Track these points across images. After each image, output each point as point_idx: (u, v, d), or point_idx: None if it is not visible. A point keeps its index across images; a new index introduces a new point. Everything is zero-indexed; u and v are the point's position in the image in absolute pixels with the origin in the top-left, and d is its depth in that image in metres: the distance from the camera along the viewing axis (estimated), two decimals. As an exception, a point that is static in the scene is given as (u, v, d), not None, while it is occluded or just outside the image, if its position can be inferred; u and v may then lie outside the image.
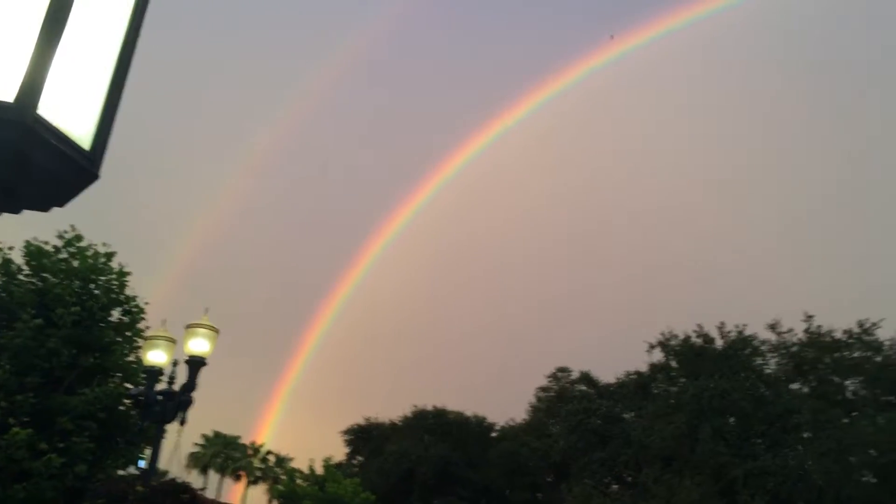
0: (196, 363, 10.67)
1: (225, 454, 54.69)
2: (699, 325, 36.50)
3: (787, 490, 28.27)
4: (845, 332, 32.60)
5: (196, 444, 53.64)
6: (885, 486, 27.44)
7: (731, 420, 33.05)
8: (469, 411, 43.20)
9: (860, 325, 32.33)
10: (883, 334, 32.00)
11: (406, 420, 43.30)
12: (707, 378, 33.69)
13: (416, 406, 43.56)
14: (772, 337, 35.18)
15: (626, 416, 38.13)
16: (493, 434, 42.94)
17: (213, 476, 54.21)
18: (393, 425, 43.03)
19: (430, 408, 42.87)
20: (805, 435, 31.55)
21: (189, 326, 10.80)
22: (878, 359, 31.93)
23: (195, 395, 10.67)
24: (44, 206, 1.86)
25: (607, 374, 41.67)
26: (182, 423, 10.64)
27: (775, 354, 35.57)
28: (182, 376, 10.79)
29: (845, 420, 31.19)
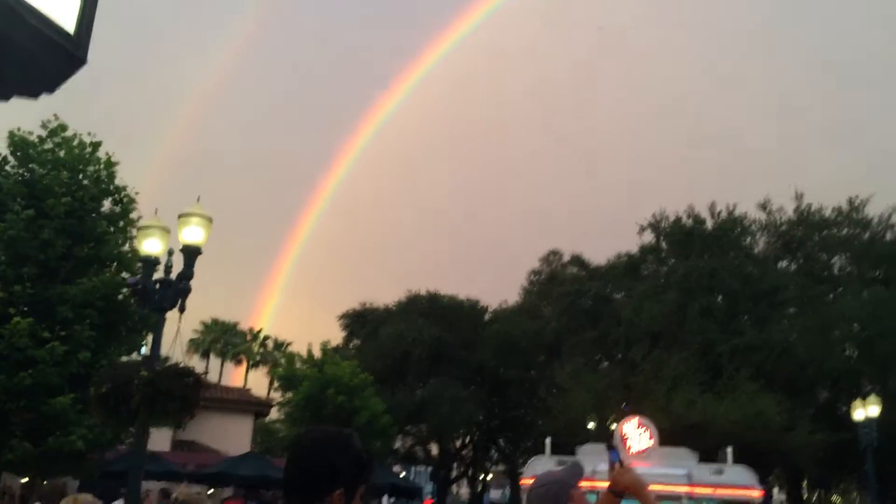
0: (191, 252, 10.70)
1: (224, 340, 55.94)
2: (690, 206, 36.66)
3: (771, 363, 29.24)
4: (835, 209, 32.89)
5: (195, 330, 54.78)
6: (866, 358, 28.44)
7: (719, 298, 33.76)
8: (462, 295, 43.98)
9: (850, 202, 32.59)
10: (872, 210, 32.33)
11: (400, 304, 44.00)
12: (696, 258, 34.16)
13: (410, 290, 44.23)
14: (762, 216, 35.48)
15: (616, 296, 38.87)
16: (487, 317, 43.82)
17: (215, 361, 55.73)
18: (387, 310, 43.77)
19: (423, 292, 43.57)
20: (791, 311, 32.36)
21: (182, 215, 10.75)
22: (866, 235, 32.37)
23: (192, 282, 10.75)
24: (33, 93, 1.80)
25: (599, 257, 42.18)
26: (181, 310, 10.78)
27: (764, 233, 35.98)
28: (178, 265, 10.85)
29: (831, 296, 31.93)
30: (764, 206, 34.96)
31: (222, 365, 55.90)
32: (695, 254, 34.63)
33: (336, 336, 42.92)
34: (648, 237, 38.27)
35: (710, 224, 36.43)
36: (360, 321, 43.82)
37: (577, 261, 43.02)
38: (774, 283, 32.21)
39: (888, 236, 31.95)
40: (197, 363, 50.76)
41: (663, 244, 38.11)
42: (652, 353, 30.31)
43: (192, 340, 54.24)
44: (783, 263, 35.11)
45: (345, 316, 44.05)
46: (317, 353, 30.88)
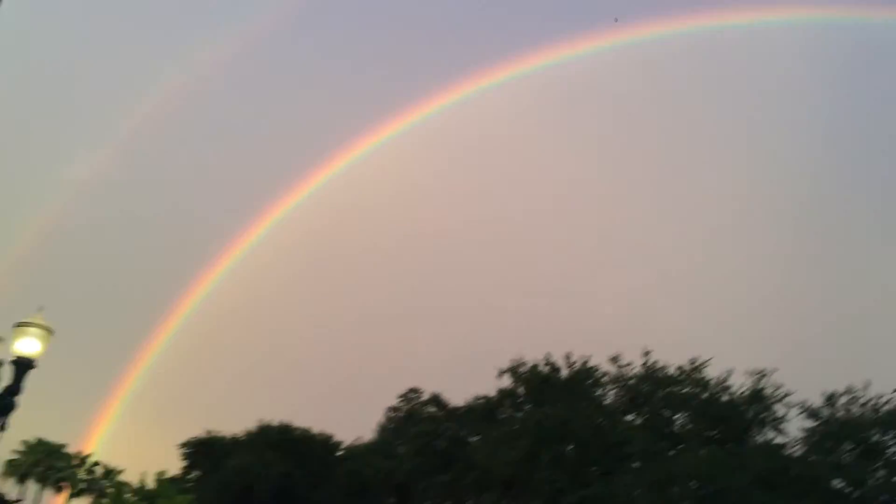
0: (23, 365, 9.90)
1: (47, 463, 50.82)
2: (548, 354, 37.88)
3: (616, 516, 29.64)
4: (678, 368, 34.85)
5: (15, 451, 49.53)
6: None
7: (570, 448, 34.37)
8: (317, 428, 42.58)
9: (692, 362, 34.70)
10: (711, 372, 34.48)
11: (249, 434, 41.99)
12: (551, 405, 34.92)
13: (261, 420, 42.40)
14: (613, 369, 37.02)
15: (471, 439, 38.80)
16: (339, 452, 42.45)
17: (33, 486, 50.22)
18: (235, 439, 41.58)
19: (275, 423, 41.88)
20: (635, 465, 33.26)
21: (18, 325, 10.01)
22: (705, 395, 34.32)
23: (20, 398, 9.88)
24: None
25: (459, 397, 42.32)
26: (2, 428, 9.81)
27: (615, 386, 37.42)
28: (6, 378, 9.97)
29: (672, 452, 33.19)
30: (615, 360, 36.62)
31: (41, 491, 50.47)
32: (549, 401, 35.42)
33: (176, 465, 40.07)
34: (507, 381, 38.97)
35: (565, 373, 37.62)
36: (203, 450, 41.26)
37: (436, 401, 42.97)
38: (622, 436, 33.25)
39: (724, 398, 33.99)
40: (11, 488, 45.61)
41: (520, 389, 38.83)
42: (502, 500, 30.11)
43: (9, 462, 48.93)
44: (630, 416, 36.43)
45: (187, 444, 41.38)
46: (151, 484, 28.60)
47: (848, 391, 31.68)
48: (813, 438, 32.06)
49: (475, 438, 38.55)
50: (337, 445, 43.01)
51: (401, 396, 43.64)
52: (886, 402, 30.45)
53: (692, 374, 34.55)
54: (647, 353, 35.68)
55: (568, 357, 37.49)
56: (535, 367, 37.96)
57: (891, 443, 30.84)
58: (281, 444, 40.34)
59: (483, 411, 39.46)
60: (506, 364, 38.46)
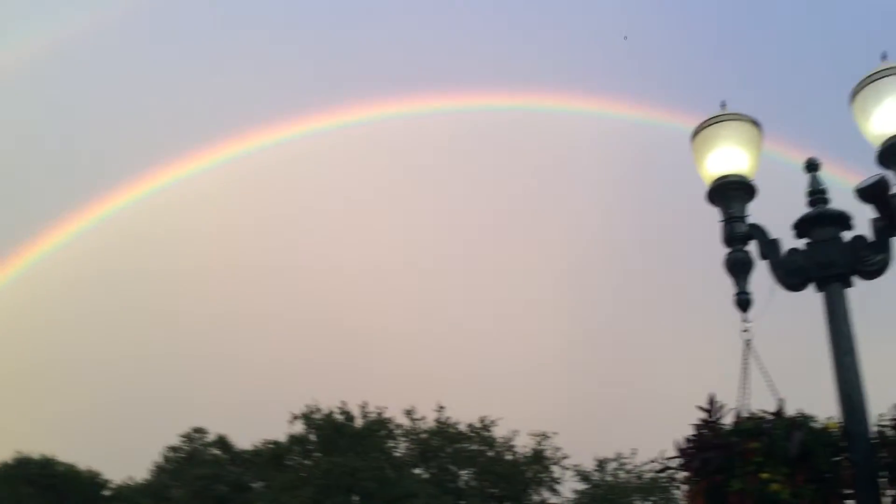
0: None
1: None
2: (343, 402, 37.47)
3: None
4: (468, 425, 35.79)
5: None
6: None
7: (356, 499, 33.99)
8: (83, 464, 39.09)
9: (481, 420, 35.77)
10: (498, 432, 35.72)
11: (6, 467, 37.79)
12: (342, 454, 34.46)
13: (19, 452, 38.30)
14: (406, 422, 37.30)
15: (255, 485, 37.31)
16: (107, 492, 39.16)
17: None
18: (-13, 472, 37.20)
19: (36, 455, 38.01)
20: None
21: None
22: (491, 453, 35.44)
23: None
24: None
25: (247, 440, 40.58)
26: None
27: (406, 439, 37.67)
28: None
29: (454, 507, 33.79)
30: (409, 413, 36.93)
31: None
32: (340, 449, 34.94)
33: None
34: (299, 427, 38.00)
35: (359, 422, 37.34)
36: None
37: (222, 442, 40.94)
38: (408, 489, 33.39)
39: (508, 457, 35.27)
40: None
41: (311, 436, 38.00)
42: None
43: None
44: (419, 470, 36.74)
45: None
46: None
47: (617, 457, 34.01)
48: (583, 500, 33.95)
49: (259, 484, 37.11)
50: (104, 484, 39.67)
51: (183, 436, 41.20)
52: (647, 471, 32.97)
53: (481, 432, 35.59)
54: (440, 408, 36.37)
55: (363, 406, 37.33)
56: (329, 414, 37.39)
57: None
58: (41, 480, 36.65)
59: (271, 456, 38.13)
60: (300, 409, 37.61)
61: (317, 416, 37.73)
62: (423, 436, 36.30)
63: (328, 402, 38.58)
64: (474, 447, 35.78)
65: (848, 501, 5.16)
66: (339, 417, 37.54)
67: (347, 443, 35.69)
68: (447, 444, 35.68)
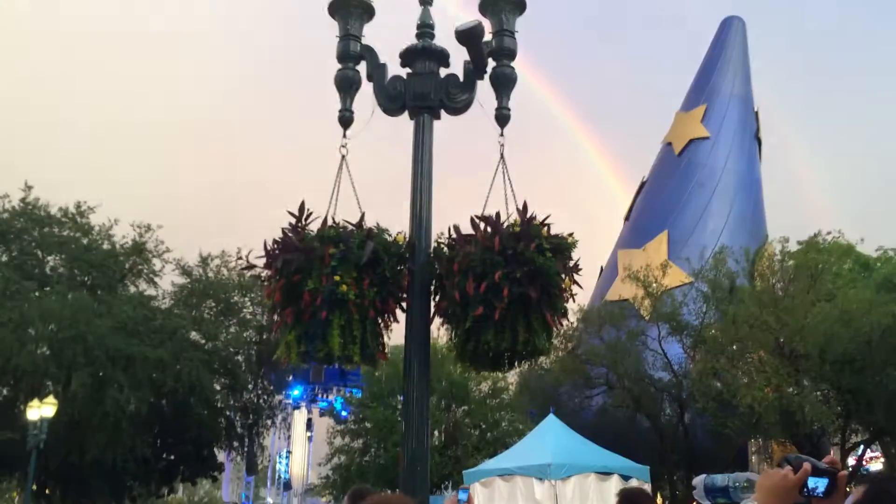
0: None
1: None
2: None
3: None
4: (61, 209, 32.78)
5: None
6: (56, 358, 28.60)
7: None
8: None
9: (77, 206, 32.97)
10: (96, 220, 33.35)
11: None
12: None
13: None
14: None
15: None
16: None
17: None
18: None
19: None
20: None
21: None
22: (85, 241, 33.16)
23: None
24: None
25: None
26: None
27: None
28: None
29: (37, 294, 31.35)
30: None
31: None
32: None
33: None
34: None
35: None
36: None
37: None
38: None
39: (106, 246, 33.47)
40: None
41: None
42: None
43: None
44: (-5, 252, 33.04)
45: None
46: None
47: (221, 255, 34.52)
48: (182, 294, 34.16)
49: None
50: None
51: None
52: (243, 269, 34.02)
53: (76, 218, 32.95)
54: (28, 188, 32.61)
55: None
56: None
57: (247, 304, 34.89)
58: None
59: None
60: None
61: None
62: (4, 216, 32.43)
63: None
64: (66, 233, 33.17)
65: (404, 304, 5.98)
66: None
67: None
68: (33, 227, 32.44)
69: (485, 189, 6.00)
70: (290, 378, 43.04)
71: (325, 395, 47.89)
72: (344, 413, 41.25)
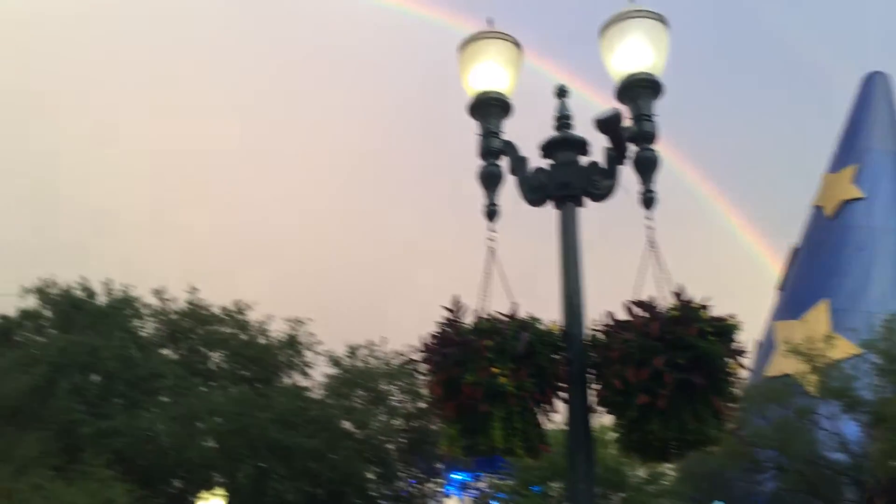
0: None
1: None
2: (83, 278, 35.06)
3: (134, 449, 28.93)
4: (222, 307, 35.20)
5: None
6: (222, 451, 30.24)
7: (96, 378, 32.43)
8: None
9: (236, 304, 35.34)
10: (252, 316, 35.57)
11: None
12: (80, 333, 32.47)
13: None
14: (155, 302, 35.82)
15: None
16: None
17: None
18: None
19: None
20: (164, 399, 32.78)
21: None
22: (244, 337, 35.30)
23: None
24: None
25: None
26: None
27: (155, 319, 36.26)
28: None
29: (203, 389, 33.47)
30: (158, 292, 35.48)
31: None
32: (80, 328, 32.88)
33: None
34: (32, 302, 34.99)
35: (102, 300, 35.22)
36: None
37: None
38: (154, 369, 32.42)
39: (262, 340, 35.41)
40: None
41: (46, 312, 35.27)
42: (5, 429, 27.11)
43: None
44: (166, 351, 35.73)
45: None
46: None
47: (368, 345, 35.56)
48: (333, 383, 35.29)
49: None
50: None
51: None
52: (395, 358, 34.86)
53: (234, 316, 35.22)
54: (193, 290, 35.33)
55: (107, 284, 35.20)
56: (68, 290, 34.84)
57: (394, 392, 35.49)
58: None
59: (-2, 332, 34.95)
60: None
61: (52, 290, 35.03)
62: (173, 317, 35.15)
63: (68, 279, 35.91)
64: (227, 330, 35.40)
65: (563, 394, 5.93)
66: (79, 294, 35.17)
67: (87, 320, 33.64)
68: (198, 326, 34.91)
69: (627, 270, 5.95)
70: (441, 465, 42.96)
71: (475, 482, 47.26)
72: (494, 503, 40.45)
